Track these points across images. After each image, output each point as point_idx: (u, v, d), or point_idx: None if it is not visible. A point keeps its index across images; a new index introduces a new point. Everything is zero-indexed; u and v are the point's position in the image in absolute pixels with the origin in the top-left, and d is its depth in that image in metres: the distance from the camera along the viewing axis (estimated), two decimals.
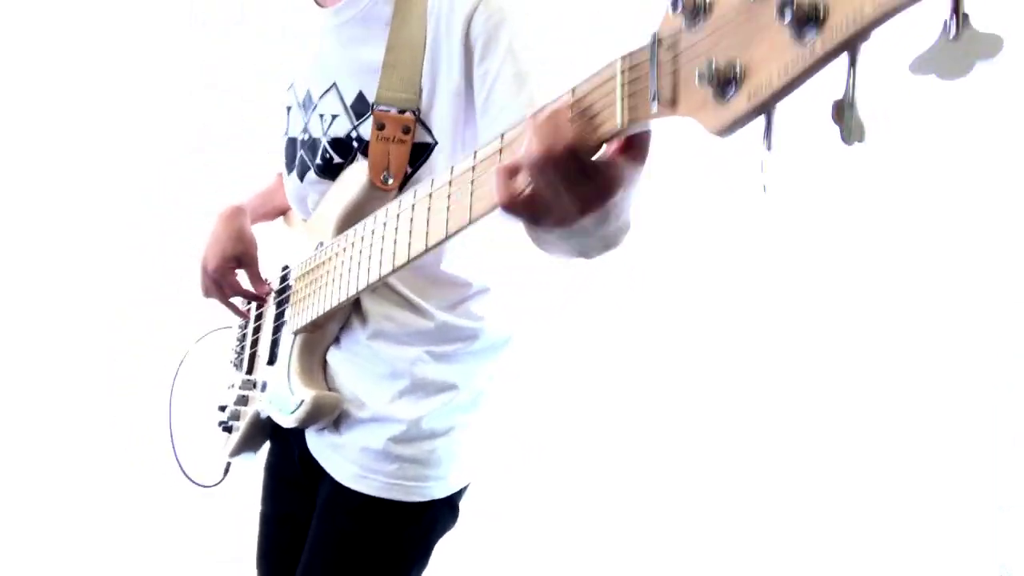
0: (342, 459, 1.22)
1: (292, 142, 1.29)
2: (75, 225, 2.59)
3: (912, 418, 2.39)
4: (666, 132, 0.62)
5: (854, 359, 2.44)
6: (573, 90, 0.68)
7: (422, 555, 1.27)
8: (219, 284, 1.33)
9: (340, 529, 1.24)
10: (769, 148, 0.53)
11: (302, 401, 1.18)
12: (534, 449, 2.47)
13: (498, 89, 1.05)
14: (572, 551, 2.48)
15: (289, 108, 1.32)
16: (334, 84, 1.21)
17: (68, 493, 2.50)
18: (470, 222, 0.79)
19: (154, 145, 2.61)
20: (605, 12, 2.07)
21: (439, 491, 1.23)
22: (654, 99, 0.59)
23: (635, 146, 0.67)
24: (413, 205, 0.91)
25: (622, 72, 0.63)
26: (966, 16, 0.44)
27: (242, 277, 1.36)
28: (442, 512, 1.25)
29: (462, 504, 1.30)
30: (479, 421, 1.28)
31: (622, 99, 0.62)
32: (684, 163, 2.39)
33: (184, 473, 1.53)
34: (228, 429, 1.43)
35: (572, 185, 0.64)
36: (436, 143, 1.13)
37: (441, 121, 1.12)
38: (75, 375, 2.56)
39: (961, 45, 0.44)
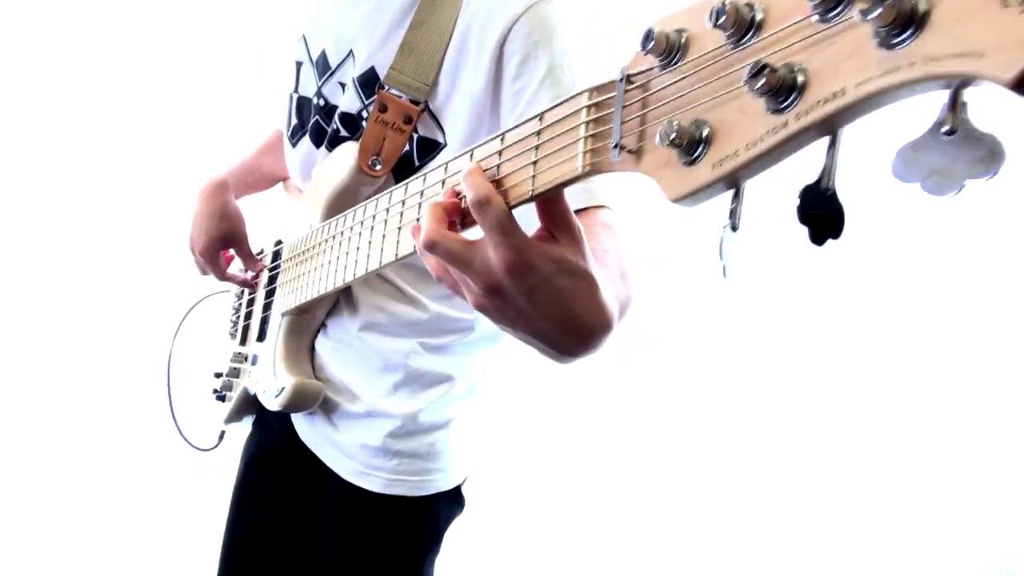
0: (342, 455, 1.20)
1: (304, 102, 1.22)
2: (64, 200, 2.55)
3: (912, 418, 2.34)
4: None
5: (853, 359, 2.38)
6: (542, 116, 0.61)
7: (432, 544, 1.25)
8: (206, 265, 1.29)
9: (349, 526, 1.22)
10: (734, 228, 0.45)
11: (283, 388, 1.15)
12: (533, 438, 2.47)
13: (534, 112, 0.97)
14: (575, 536, 2.48)
15: (300, 64, 1.23)
16: (351, 52, 1.13)
17: (62, 467, 2.50)
18: None
19: (140, 123, 2.55)
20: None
21: (443, 484, 1.20)
22: (616, 148, 0.52)
23: (555, 223, 0.63)
24: (388, 209, 0.84)
25: (588, 108, 0.55)
26: (964, 106, 0.36)
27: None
28: (447, 503, 1.23)
29: (468, 491, 1.28)
30: (476, 410, 1.25)
31: (584, 140, 0.55)
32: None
33: (181, 434, 1.52)
34: (222, 398, 1.41)
35: (496, 238, 0.61)
36: (446, 144, 1.05)
37: (455, 121, 1.04)
38: (71, 345, 2.55)
39: (955, 146, 0.36)
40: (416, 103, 1.04)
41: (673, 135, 0.45)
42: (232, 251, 1.28)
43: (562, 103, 0.58)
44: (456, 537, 1.30)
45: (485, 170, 0.66)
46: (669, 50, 0.49)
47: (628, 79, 0.52)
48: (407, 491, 1.17)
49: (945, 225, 2.27)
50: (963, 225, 2.25)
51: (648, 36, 0.49)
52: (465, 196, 0.67)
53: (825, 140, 0.41)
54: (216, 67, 2.50)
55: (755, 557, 2.38)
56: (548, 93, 0.96)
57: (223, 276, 1.29)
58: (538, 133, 0.60)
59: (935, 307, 2.32)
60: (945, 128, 0.35)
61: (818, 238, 0.40)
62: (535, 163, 0.60)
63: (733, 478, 2.43)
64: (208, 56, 2.51)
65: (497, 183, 0.64)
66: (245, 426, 1.44)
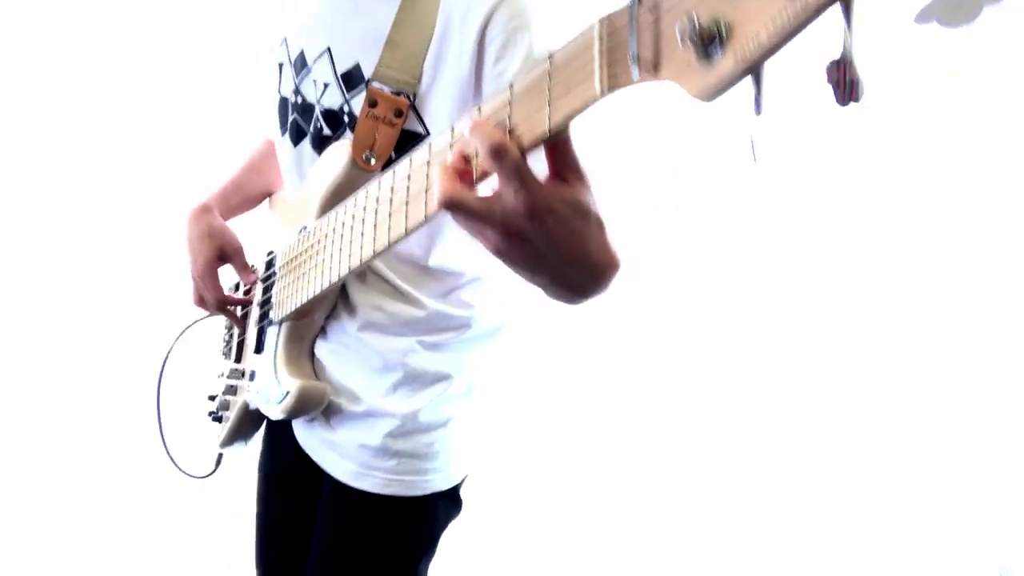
0: (339, 456, 1.19)
1: (284, 102, 1.24)
2: (59, 214, 2.55)
3: (912, 418, 2.38)
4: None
5: (854, 359, 2.42)
6: (551, 57, 0.63)
7: (428, 547, 1.24)
8: (205, 289, 1.30)
9: (343, 527, 1.21)
10: (759, 112, 0.48)
11: (288, 392, 1.15)
12: (530, 438, 2.46)
13: None
14: (572, 537, 2.47)
15: (281, 65, 1.26)
16: (328, 49, 1.16)
17: (56, 486, 2.47)
18: None
19: (136, 134, 2.56)
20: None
21: (440, 484, 1.20)
22: (634, 62, 0.54)
23: (565, 166, 0.66)
24: (392, 187, 0.86)
25: (600, 37, 0.58)
26: None
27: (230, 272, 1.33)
28: (444, 504, 1.23)
29: (464, 493, 1.27)
30: (474, 410, 1.25)
31: (600, 64, 0.58)
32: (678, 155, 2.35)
33: (175, 464, 1.50)
34: (218, 419, 1.40)
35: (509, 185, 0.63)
36: (427, 134, 1.08)
37: (438, 111, 1.07)
38: (62, 365, 2.52)
39: None
40: (401, 94, 1.07)
41: (693, 33, 0.48)
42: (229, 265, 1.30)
43: (572, 41, 0.61)
44: (451, 539, 1.29)
45: (496, 122, 0.68)
46: None
47: (639, 1, 0.55)
48: (404, 491, 1.17)
49: (950, 226, 2.32)
50: (966, 225, 2.31)
51: None
52: (474, 155, 0.70)
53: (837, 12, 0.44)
54: (210, 83, 2.51)
55: (756, 559, 2.37)
56: None
57: (218, 297, 1.30)
58: (549, 74, 0.63)
59: (936, 311, 2.37)
60: None
61: (844, 99, 0.43)
62: (550, 102, 0.62)
63: (733, 481, 2.44)
64: (204, 72, 2.52)
65: (509, 132, 0.67)
66: (243, 450, 1.42)
